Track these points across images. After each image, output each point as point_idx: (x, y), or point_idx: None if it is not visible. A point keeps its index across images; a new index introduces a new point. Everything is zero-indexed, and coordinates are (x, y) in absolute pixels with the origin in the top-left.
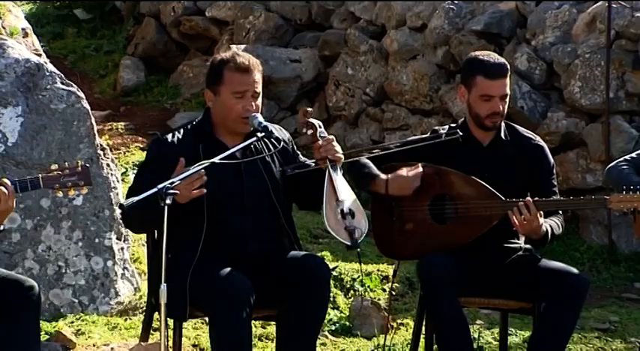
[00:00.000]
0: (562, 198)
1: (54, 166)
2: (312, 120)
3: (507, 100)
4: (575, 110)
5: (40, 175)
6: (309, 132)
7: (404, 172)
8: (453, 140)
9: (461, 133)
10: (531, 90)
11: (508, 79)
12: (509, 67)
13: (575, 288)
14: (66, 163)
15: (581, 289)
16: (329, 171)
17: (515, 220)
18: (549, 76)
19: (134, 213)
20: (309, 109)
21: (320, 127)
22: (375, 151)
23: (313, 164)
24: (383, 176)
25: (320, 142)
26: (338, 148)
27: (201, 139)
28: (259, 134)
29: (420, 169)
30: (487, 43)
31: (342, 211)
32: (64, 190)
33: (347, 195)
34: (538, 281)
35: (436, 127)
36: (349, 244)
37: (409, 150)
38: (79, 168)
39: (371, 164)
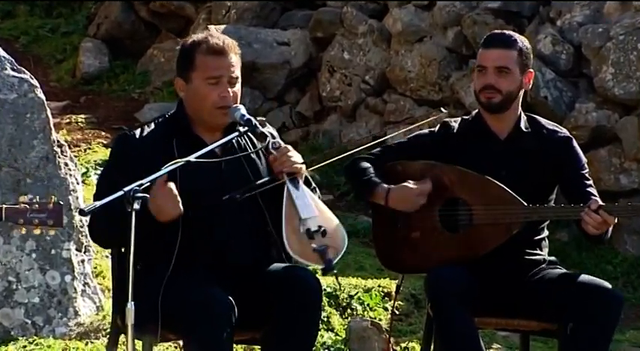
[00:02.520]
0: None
1: (22, 199)
2: (263, 130)
3: (510, 78)
4: (607, 101)
5: (3, 207)
6: (262, 144)
7: (409, 185)
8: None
9: (445, 110)
10: (556, 77)
11: (512, 53)
12: (516, 40)
13: (606, 306)
14: (37, 198)
15: (614, 308)
16: (287, 187)
17: (589, 227)
18: (577, 62)
19: (99, 223)
20: (261, 118)
21: (274, 137)
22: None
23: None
24: (384, 186)
25: (274, 154)
26: (296, 157)
27: (176, 134)
28: (242, 129)
29: (429, 185)
30: (505, 23)
31: (308, 231)
32: (28, 227)
33: (312, 211)
34: (564, 299)
35: (446, 119)
36: (322, 267)
37: (414, 147)
38: (51, 205)
39: (371, 170)
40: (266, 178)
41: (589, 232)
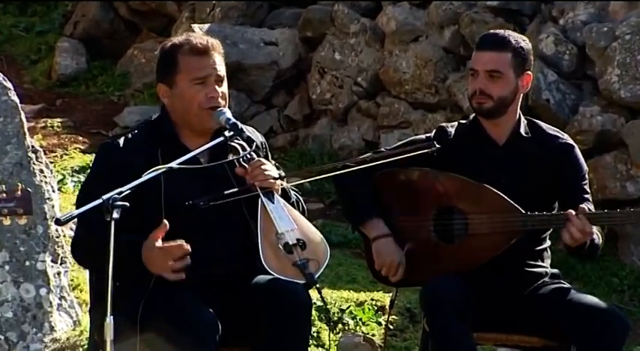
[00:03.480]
0: (597, 211)
1: None
2: (235, 143)
3: (503, 83)
4: (613, 104)
5: None
6: (234, 157)
7: (399, 254)
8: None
9: (438, 146)
10: (559, 79)
11: (506, 55)
12: (511, 41)
13: (612, 331)
14: (3, 186)
15: (620, 333)
16: (261, 200)
17: (567, 236)
18: (581, 63)
19: (82, 238)
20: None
21: (244, 149)
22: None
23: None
24: (381, 226)
25: (246, 167)
26: (271, 171)
27: (160, 143)
28: (227, 133)
29: (400, 273)
30: (505, 21)
31: (286, 245)
32: None
33: (289, 223)
34: (567, 317)
35: (443, 124)
36: (304, 282)
37: (408, 151)
38: (19, 192)
39: (367, 195)
40: (235, 189)
41: (566, 242)
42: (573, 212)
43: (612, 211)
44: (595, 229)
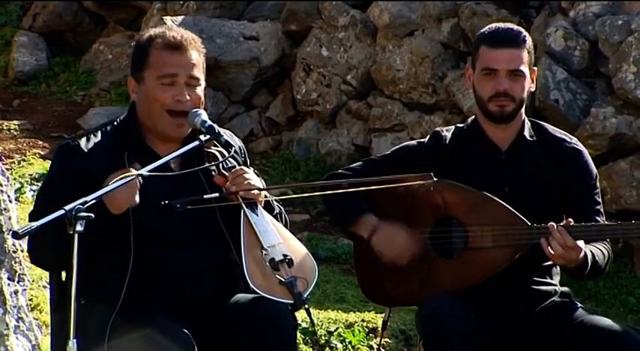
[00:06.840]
0: (607, 222)
1: None
2: (212, 149)
3: (524, 83)
4: (628, 104)
5: None
6: (211, 164)
7: (405, 233)
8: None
9: (435, 179)
10: (569, 77)
11: (524, 52)
12: (526, 37)
13: None
14: None
15: None
16: (244, 211)
17: (550, 251)
18: (593, 59)
19: (40, 246)
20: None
21: (223, 155)
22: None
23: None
24: (373, 217)
25: (226, 176)
26: (254, 180)
27: (127, 146)
28: (202, 137)
29: (415, 248)
30: (509, 14)
31: (272, 260)
32: None
33: (275, 237)
34: (578, 341)
35: (438, 129)
36: (291, 302)
37: (400, 161)
38: None
39: (357, 195)
40: (215, 194)
41: (553, 261)
42: (554, 225)
43: (602, 224)
44: (599, 245)
